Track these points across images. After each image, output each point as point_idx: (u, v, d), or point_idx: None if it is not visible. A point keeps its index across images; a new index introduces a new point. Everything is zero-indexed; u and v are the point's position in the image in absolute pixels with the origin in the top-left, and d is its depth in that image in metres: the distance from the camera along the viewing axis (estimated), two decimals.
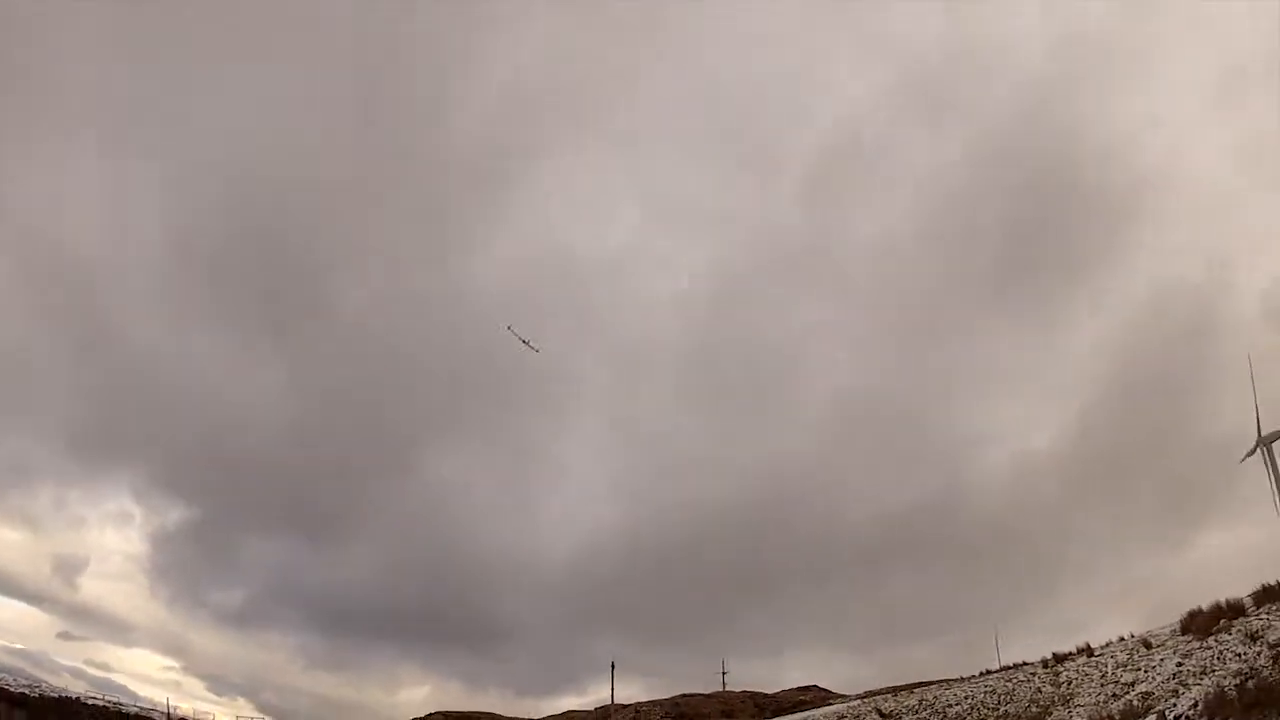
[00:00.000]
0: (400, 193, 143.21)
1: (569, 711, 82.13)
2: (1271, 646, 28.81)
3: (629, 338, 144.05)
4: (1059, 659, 40.95)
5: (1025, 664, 43.74)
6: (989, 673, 46.25)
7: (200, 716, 61.71)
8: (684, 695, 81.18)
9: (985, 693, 40.67)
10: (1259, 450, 48.79)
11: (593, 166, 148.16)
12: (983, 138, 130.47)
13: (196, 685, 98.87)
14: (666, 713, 75.87)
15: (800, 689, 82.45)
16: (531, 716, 79.43)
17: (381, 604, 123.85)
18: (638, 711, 76.23)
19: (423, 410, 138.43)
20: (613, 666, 63.29)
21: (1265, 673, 27.75)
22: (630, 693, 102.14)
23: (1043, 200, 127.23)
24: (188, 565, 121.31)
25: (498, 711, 77.70)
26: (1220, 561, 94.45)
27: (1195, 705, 28.63)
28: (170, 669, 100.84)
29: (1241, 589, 34.51)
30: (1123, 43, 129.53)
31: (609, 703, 67.88)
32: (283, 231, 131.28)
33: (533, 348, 68.10)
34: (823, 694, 77.87)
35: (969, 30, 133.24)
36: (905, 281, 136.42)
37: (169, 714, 56.30)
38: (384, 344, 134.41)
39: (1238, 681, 28.04)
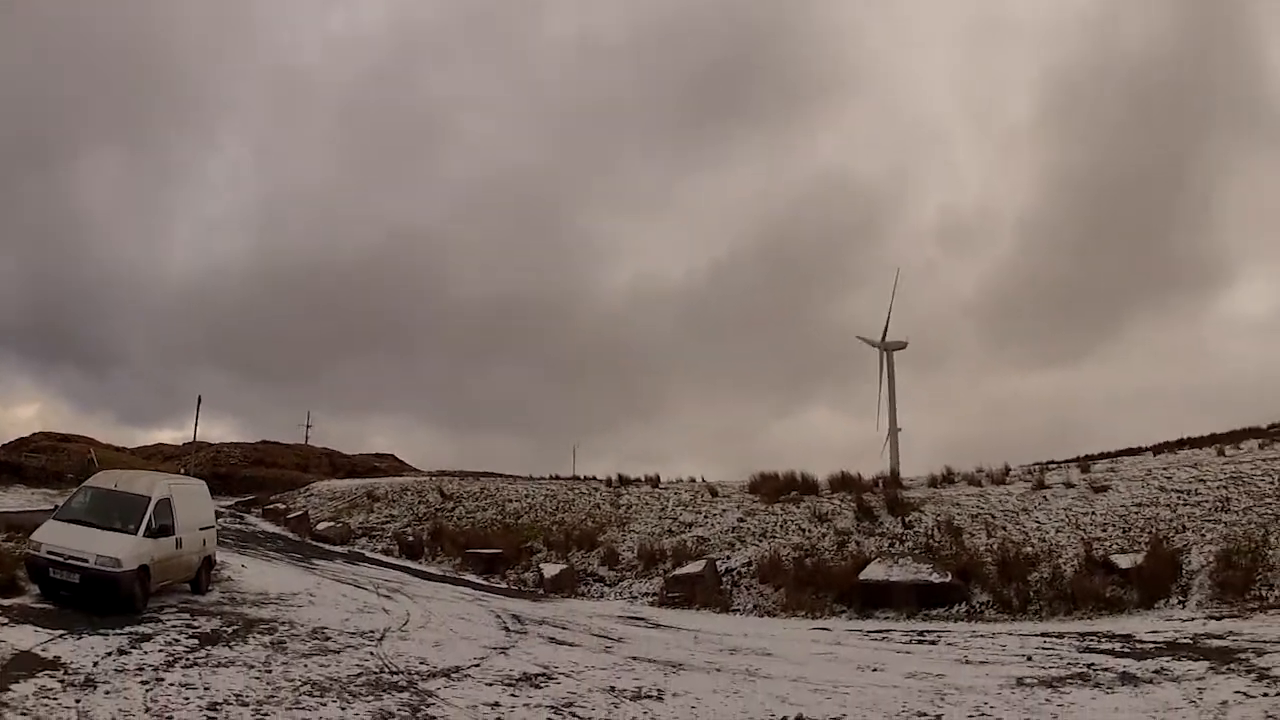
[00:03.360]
0: None
1: (159, 444, 74.10)
2: (839, 533, 24.94)
3: (295, 67, 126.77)
4: (624, 482, 36.93)
5: (592, 479, 39.50)
6: (557, 478, 41.84)
7: None
8: (266, 442, 74.61)
9: (546, 496, 36.12)
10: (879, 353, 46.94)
11: None
12: None
13: None
14: (245, 456, 69.27)
15: (377, 455, 77.76)
16: (127, 445, 68.77)
17: (3, 308, 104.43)
18: (219, 452, 69.18)
19: (77, 104, 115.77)
20: (199, 401, 53.95)
21: (826, 555, 23.80)
22: (220, 432, 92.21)
23: (754, 54, 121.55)
24: None
25: (97, 437, 66.23)
26: (811, 439, 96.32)
27: (749, 564, 24.31)
28: None
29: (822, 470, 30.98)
30: None
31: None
32: None
33: None
34: (398, 464, 73.55)
35: None
36: (589, 85, 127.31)
37: None
38: (53, 25, 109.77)
39: (796, 555, 23.99)
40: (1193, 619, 16.48)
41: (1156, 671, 12.46)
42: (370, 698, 10.07)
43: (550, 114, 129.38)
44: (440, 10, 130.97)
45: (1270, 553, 18.17)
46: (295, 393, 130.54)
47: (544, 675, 12.25)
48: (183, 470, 41.05)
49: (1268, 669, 11.81)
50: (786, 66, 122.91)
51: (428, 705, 10.05)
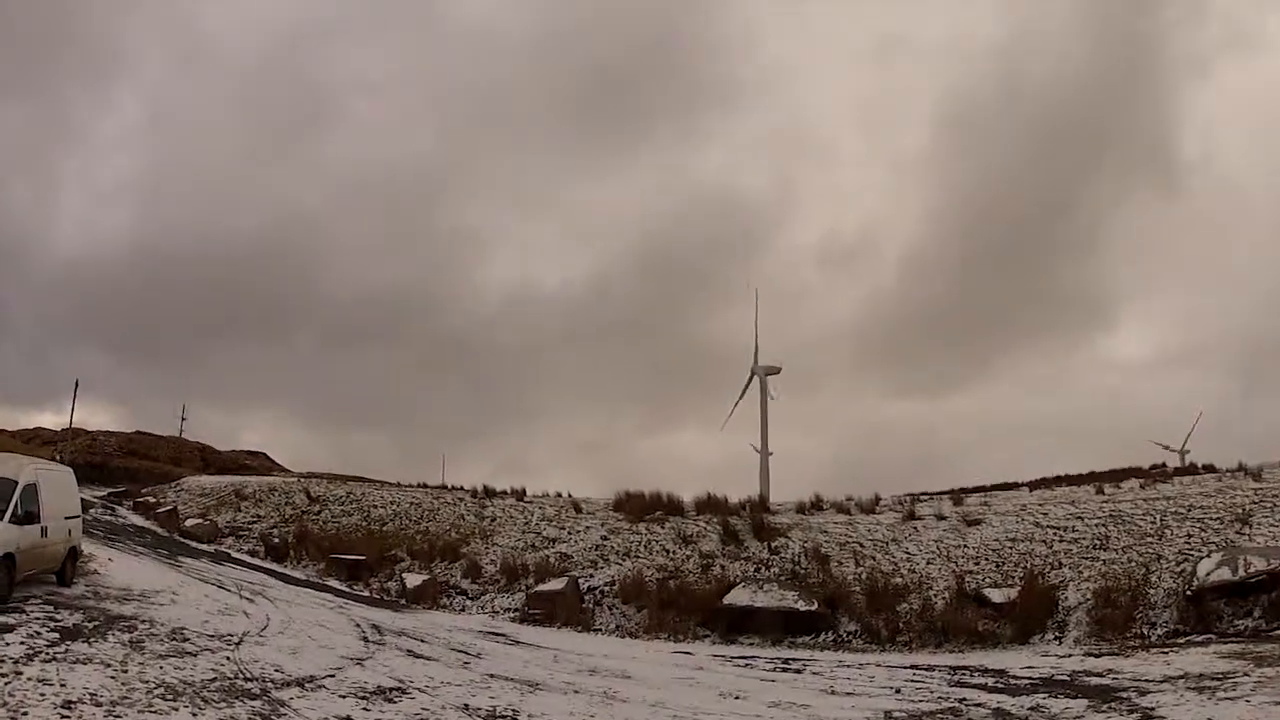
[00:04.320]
0: None
1: (38, 428, 67.04)
2: (704, 555, 23.66)
3: (202, 31, 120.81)
4: (489, 493, 34.82)
5: (458, 488, 37.48)
6: (424, 486, 39.64)
7: None
8: (140, 433, 69.87)
9: (411, 504, 33.88)
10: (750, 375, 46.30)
11: None
12: None
13: None
14: (120, 446, 64.69)
15: (249, 453, 73.11)
16: (7, 428, 63.80)
17: None
18: (94, 440, 64.44)
19: None
20: (76, 385, 50.36)
21: (691, 578, 22.41)
22: (101, 419, 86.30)
23: (649, 61, 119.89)
24: None
25: None
26: (683, 456, 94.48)
27: (612, 584, 22.75)
28: None
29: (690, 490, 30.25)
30: None
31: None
32: None
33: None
34: (269, 463, 69.29)
35: None
36: (483, 79, 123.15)
37: None
38: None
39: (660, 577, 22.56)
40: (1070, 655, 15.61)
41: (1032, 709, 11.47)
42: (222, 704, 9.51)
43: (441, 105, 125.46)
44: None
45: (1152, 591, 17.50)
46: (174, 381, 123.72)
47: (399, 689, 11.58)
48: (58, 457, 37.81)
49: (1152, 709, 10.88)
50: (681, 75, 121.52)
51: (279, 715, 9.50)
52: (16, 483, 14.31)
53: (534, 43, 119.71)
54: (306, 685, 10.97)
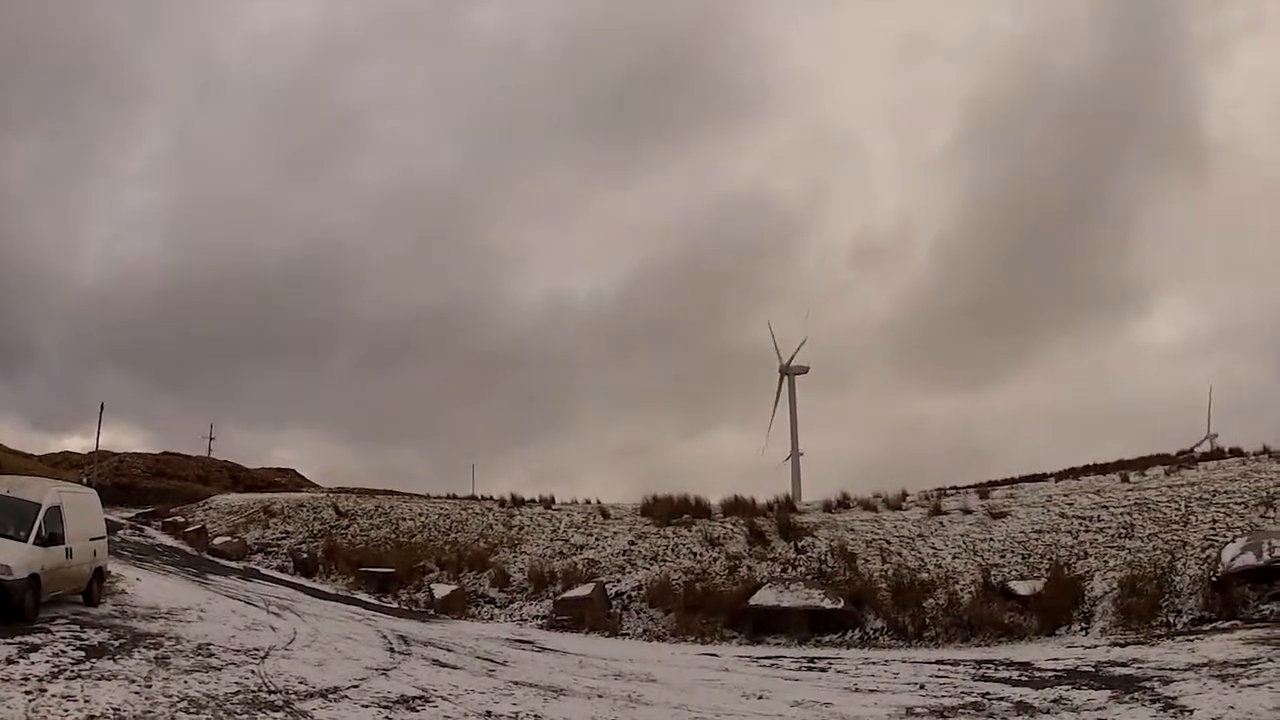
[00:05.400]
0: None
1: (65, 452, 68.11)
2: (730, 557, 23.56)
3: (224, 62, 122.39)
4: (517, 502, 34.78)
5: (487, 498, 37.54)
6: (453, 497, 39.80)
7: None
8: (168, 454, 70.24)
9: (440, 515, 34.00)
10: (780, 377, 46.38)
11: None
12: None
13: None
14: (148, 467, 65.22)
15: (278, 469, 73.42)
16: (36, 452, 64.63)
17: None
18: (121, 461, 65.10)
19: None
20: (101, 408, 50.66)
21: (718, 580, 22.43)
22: (129, 442, 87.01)
23: (676, 68, 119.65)
24: None
25: (6, 443, 61.96)
26: (716, 459, 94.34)
27: (640, 588, 22.78)
28: None
29: (721, 493, 29.64)
30: None
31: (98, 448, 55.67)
32: None
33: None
34: (298, 480, 69.51)
35: None
36: (508, 92, 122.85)
37: None
38: None
39: (687, 579, 22.63)
40: (1095, 646, 15.51)
41: (1054, 701, 11.43)
42: (244, 716, 9.57)
43: (468, 120, 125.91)
44: (362, 9, 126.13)
45: (1177, 578, 17.35)
46: (203, 402, 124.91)
47: (421, 698, 11.59)
48: (85, 480, 38.37)
49: (1174, 698, 10.77)
50: (709, 81, 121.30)
51: None
52: (40, 505, 14.44)
53: (556, 54, 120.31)
54: (330, 696, 11.03)
